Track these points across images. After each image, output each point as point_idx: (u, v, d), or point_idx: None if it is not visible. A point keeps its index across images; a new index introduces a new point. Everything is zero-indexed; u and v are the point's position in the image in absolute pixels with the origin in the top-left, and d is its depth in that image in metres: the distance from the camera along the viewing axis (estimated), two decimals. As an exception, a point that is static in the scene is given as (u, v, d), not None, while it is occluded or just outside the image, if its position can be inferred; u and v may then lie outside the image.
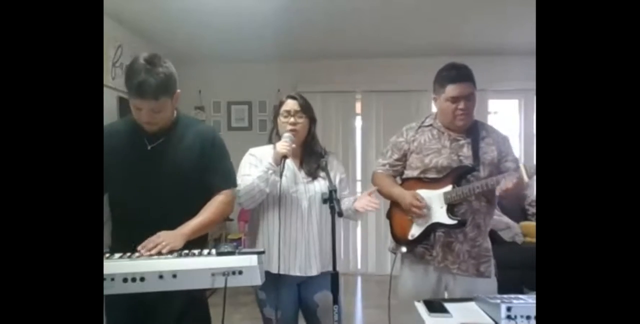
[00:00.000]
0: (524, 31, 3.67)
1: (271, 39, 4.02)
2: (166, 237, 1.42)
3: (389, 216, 2.00)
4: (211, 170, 1.63)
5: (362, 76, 4.79)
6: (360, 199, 1.79)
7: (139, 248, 1.39)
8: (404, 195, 1.85)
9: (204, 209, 1.58)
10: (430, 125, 1.91)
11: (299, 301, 1.86)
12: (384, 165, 2.01)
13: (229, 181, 1.68)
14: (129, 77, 1.46)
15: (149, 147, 1.58)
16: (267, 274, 1.73)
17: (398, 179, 2.00)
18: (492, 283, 1.85)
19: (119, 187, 1.57)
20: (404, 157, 1.95)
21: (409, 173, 1.93)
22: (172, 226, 1.49)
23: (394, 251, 1.93)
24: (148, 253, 1.37)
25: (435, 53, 4.41)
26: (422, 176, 1.86)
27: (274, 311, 1.78)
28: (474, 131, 1.84)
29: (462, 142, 1.83)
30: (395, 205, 1.95)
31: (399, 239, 1.92)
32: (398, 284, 1.91)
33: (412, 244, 1.85)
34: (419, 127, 1.94)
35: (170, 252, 1.39)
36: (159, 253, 1.37)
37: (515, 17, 3.50)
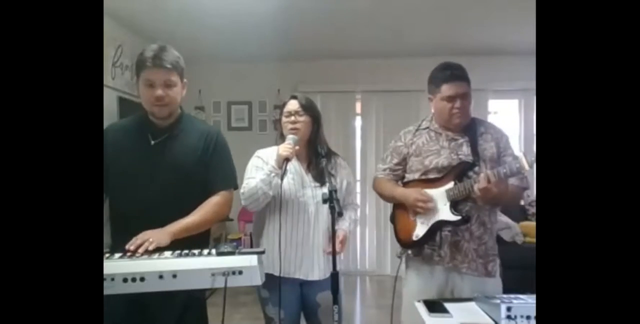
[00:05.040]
0: (524, 31, 3.68)
1: (271, 39, 4.03)
2: (152, 235, 1.42)
3: (392, 219, 1.98)
4: (211, 170, 1.63)
5: (362, 76, 4.79)
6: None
7: (127, 246, 1.38)
8: (408, 193, 1.84)
9: (198, 209, 1.57)
10: (427, 127, 1.92)
11: (301, 301, 1.86)
12: (384, 170, 2.01)
13: (228, 182, 1.67)
14: (140, 58, 1.54)
15: (152, 143, 1.60)
16: (270, 275, 1.73)
17: (400, 184, 1.98)
18: (498, 282, 1.83)
19: (120, 181, 1.58)
20: (403, 161, 1.95)
21: (409, 176, 1.92)
22: (169, 222, 1.49)
23: (399, 256, 1.91)
24: (135, 250, 1.37)
25: (435, 53, 4.41)
26: (423, 177, 1.86)
27: (277, 311, 1.77)
28: (471, 128, 1.84)
29: (460, 141, 1.83)
30: (398, 208, 1.94)
31: (403, 241, 1.90)
32: (403, 287, 1.90)
33: (416, 245, 1.84)
34: (416, 130, 1.95)
35: (153, 250, 1.37)
36: (150, 251, 1.36)
37: (515, 17, 3.50)
